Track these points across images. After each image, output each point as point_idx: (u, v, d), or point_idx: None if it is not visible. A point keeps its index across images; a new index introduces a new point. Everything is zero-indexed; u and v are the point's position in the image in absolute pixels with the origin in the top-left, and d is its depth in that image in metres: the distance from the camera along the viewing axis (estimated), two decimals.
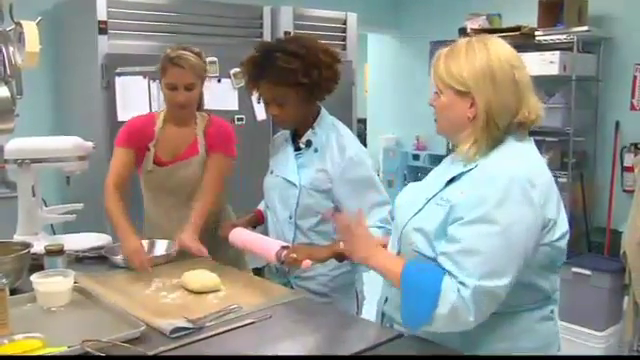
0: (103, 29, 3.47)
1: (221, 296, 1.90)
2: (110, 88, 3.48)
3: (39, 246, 2.10)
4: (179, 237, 2.18)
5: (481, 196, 1.40)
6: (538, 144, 1.61)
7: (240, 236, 2.15)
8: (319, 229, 2.11)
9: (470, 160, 1.48)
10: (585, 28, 4.25)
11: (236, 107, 3.94)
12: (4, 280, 1.62)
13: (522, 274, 1.42)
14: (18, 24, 1.94)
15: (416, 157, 5.95)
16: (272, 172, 2.23)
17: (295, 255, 1.87)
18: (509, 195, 1.38)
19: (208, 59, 3.73)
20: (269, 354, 1.52)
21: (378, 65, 6.46)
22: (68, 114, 3.94)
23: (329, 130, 2.11)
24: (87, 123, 3.62)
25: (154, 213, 2.50)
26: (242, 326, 1.67)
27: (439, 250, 1.44)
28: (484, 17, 4.87)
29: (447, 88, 1.50)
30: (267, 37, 4.11)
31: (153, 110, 3.47)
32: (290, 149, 2.17)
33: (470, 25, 4.80)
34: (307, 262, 1.84)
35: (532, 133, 1.57)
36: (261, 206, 2.36)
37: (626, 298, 3.66)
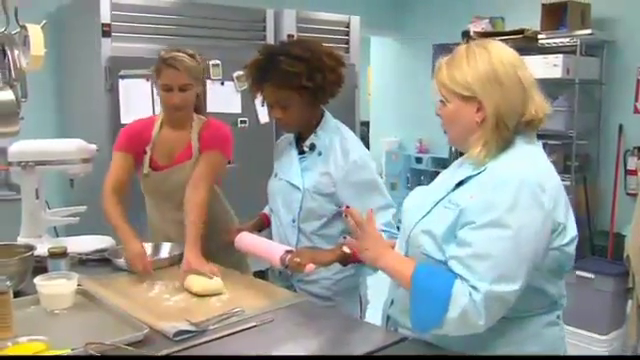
0: (107, 32, 3.48)
1: (224, 299, 1.90)
2: (113, 91, 3.49)
3: (42, 249, 2.10)
4: (186, 259, 2.09)
5: (492, 200, 1.39)
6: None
7: (245, 240, 2.15)
8: (322, 233, 2.11)
9: (481, 163, 1.48)
10: (588, 31, 4.25)
11: (239, 110, 3.94)
12: (8, 283, 1.63)
13: (532, 279, 1.41)
14: (23, 27, 1.95)
15: (419, 160, 5.95)
16: (276, 175, 2.23)
17: (299, 259, 1.87)
18: (520, 199, 1.38)
19: (211, 62, 3.79)
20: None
21: (381, 68, 6.47)
22: (71, 116, 3.95)
23: (333, 133, 2.11)
24: (90, 126, 3.62)
25: (154, 216, 2.50)
26: (245, 329, 1.67)
27: (449, 254, 1.44)
28: (487, 20, 4.88)
29: (452, 95, 1.50)
30: (270, 40, 4.11)
31: (156, 113, 3.48)
32: (294, 152, 2.17)
33: (473, 28, 4.81)
34: (310, 266, 1.84)
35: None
36: (266, 210, 2.36)
37: (629, 302, 3.65)
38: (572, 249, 1.49)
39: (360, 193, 2.02)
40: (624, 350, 3.71)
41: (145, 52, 3.48)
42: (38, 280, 1.82)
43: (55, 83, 3.96)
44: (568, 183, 4.24)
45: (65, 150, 2.49)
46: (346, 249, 1.90)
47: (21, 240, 2.36)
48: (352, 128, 2.22)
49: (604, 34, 4.42)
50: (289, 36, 4.15)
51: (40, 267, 2.03)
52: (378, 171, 2.18)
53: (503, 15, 4.98)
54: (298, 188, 2.10)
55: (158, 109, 3.45)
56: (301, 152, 2.15)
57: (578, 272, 3.73)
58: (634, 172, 4.28)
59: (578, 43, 4.22)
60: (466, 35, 4.76)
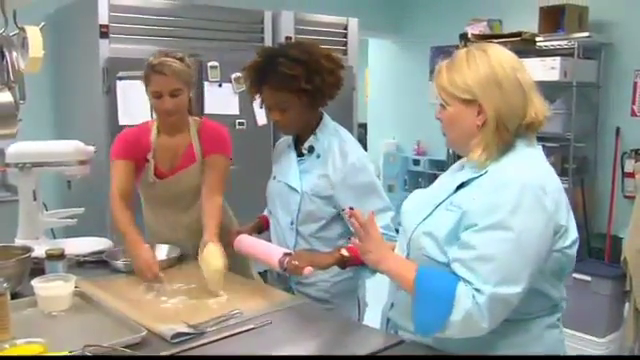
0: (104, 33, 3.48)
1: (222, 301, 1.90)
2: (111, 92, 3.48)
3: (40, 250, 2.10)
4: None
5: (495, 203, 1.40)
6: None
7: (244, 243, 2.15)
8: (320, 235, 2.10)
9: (482, 166, 1.48)
10: (586, 34, 4.26)
11: (237, 112, 3.94)
12: (5, 284, 1.62)
13: (534, 281, 1.42)
14: (22, 29, 1.95)
15: (416, 162, 5.95)
16: (275, 178, 2.23)
17: (297, 262, 1.86)
18: (522, 202, 1.38)
19: (209, 64, 3.79)
20: None
21: (379, 70, 6.47)
22: (69, 118, 3.94)
23: (331, 136, 2.11)
24: (88, 127, 3.62)
25: (153, 221, 2.49)
26: (243, 331, 1.67)
27: (452, 256, 1.44)
28: (485, 23, 4.88)
29: (453, 99, 1.50)
30: (268, 42, 4.11)
31: (154, 114, 3.47)
32: (293, 155, 2.17)
33: (471, 31, 4.81)
34: (309, 269, 1.83)
35: None
36: (266, 212, 2.35)
37: (627, 305, 3.65)
38: (574, 251, 1.49)
39: (359, 196, 2.02)
40: (621, 353, 3.71)
41: (143, 53, 3.44)
42: (35, 282, 1.82)
43: (53, 84, 3.95)
44: (566, 185, 4.24)
45: (63, 152, 2.48)
46: (344, 252, 1.90)
47: (18, 242, 2.36)
48: (350, 130, 2.22)
49: (601, 37, 4.42)
50: (287, 38, 4.15)
51: (37, 269, 2.03)
52: (376, 173, 2.18)
53: (501, 18, 4.98)
54: (296, 190, 2.09)
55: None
56: (300, 154, 2.15)
57: (575, 275, 3.73)
58: (631, 175, 4.29)
59: (576, 46, 4.23)
60: (464, 37, 4.77)
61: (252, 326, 1.69)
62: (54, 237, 2.79)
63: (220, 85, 3.87)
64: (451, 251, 1.45)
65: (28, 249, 2.06)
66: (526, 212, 1.38)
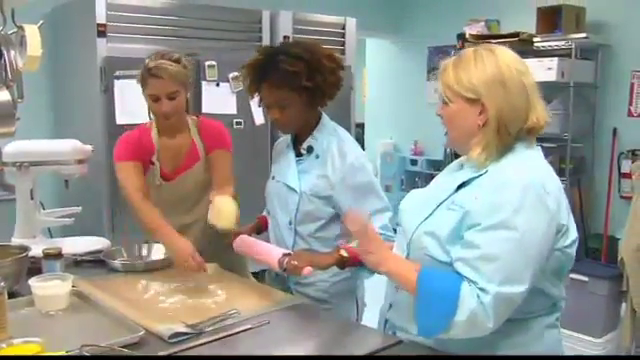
0: (102, 32, 3.46)
1: (220, 301, 1.90)
2: (109, 91, 3.47)
3: (37, 249, 2.09)
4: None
5: (497, 202, 1.40)
6: None
7: (244, 244, 2.14)
8: (319, 235, 2.10)
9: (481, 165, 1.49)
10: (583, 35, 4.26)
11: (234, 111, 3.93)
12: (2, 284, 1.62)
13: (536, 280, 1.42)
14: (20, 28, 1.94)
15: (414, 162, 5.95)
16: (273, 178, 2.22)
17: (296, 262, 1.86)
18: (525, 201, 1.38)
19: (207, 63, 3.79)
20: None
21: (376, 70, 6.47)
22: (67, 117, 3.93)
23: (330, 136, 2.11)
24: (86, 126, 3.61)
25: None
26: (240, 331, 1.67)
27: (455, 256, 1.44)
28: (482, 23, 4.88)
29: (457, 96, 1.50)
30: (266, 41, 4.10)
31: (151, 114, 3.46)
32: (291, 155, 2.16)
33: (469, 31, 4.81)
34: (308, 269, 1.83)
35: None
36: (265, 212, 2.35)
37: (623, 305, 3.66)
38: (573, 251, 1.50)
39: (357, 196, 2.02)
40: (618, 353, 3.72)
41: (141, 52, 3.44)
42: (33, 281, 1.82)
43: (50, 83, 3.94)
44: (563, 186, 4.22)
45: (60, 151, 2.48)
46: (343, 252, 1.90)
47: (15, 241, 2.35)
48: (347, 130, 2.22)
49: (599, 38, 4.43)
50: (285, 37, 4.14)
51: (34, 268, 2.02)
52: (374, 173, 2.18)
53: (499, 18, 4.98)
54: (295, 191, 2.09)
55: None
56: (298, 154, 2.15)
57: (572, 275, 3.73)
58: (628, 175, 4.29)
59: (573, 46, 4.23)
60: (461, 38, 4.77)
61: (250, 326, 1.69)
62: (50, 236, 2.78)
63: (218, 84, 3.87)
64: (454, 250, 1.45)
65: (25, 248, 2.06)
66: (529, 211, 1.38)
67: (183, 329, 1.63)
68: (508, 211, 1.38)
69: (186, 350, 1.55)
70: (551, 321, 1.55)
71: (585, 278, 3.75)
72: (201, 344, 1.58)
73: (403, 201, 1.69)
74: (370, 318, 1.92)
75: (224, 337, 1.63)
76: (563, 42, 4.28)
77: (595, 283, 3.73)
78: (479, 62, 1.48)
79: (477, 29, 4.81)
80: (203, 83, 3.77)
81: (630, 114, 4.44)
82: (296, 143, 2.17)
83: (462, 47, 4.68)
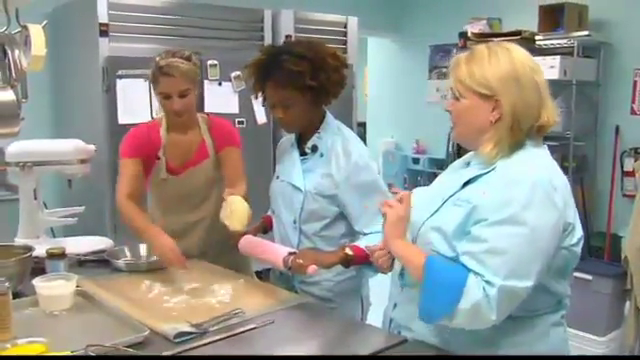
0: (104, 31, 3.46)
1: (224, 300, 1.90)
2: (111, 91, 3.47)
3: (41, 249, 2.09)
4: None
5: (506, 198, 1.40)
6: None
7: (249, 244, 2.14)
8: (324, 234, 2.10)
9: (491, 161, 1.48)
10: (585, 33, 4.26)
11: (237, 110, 3.93)
12: (6, 284, 1.61)
13: (542, 277, 1.42)
14: (24, 27, 1.94)
15: (416, 161, 5.94)
16: (278, 177, 2.22)
17: (301, 261, 1.86)
18: (534, 198, 1.38)
19: (209, 62, 3.78)
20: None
21: (378, 69, 6.46)
22: (69, 117, 3.93)
23: (334, 135, 2.10)
24: (88, 126, 3.61)
25: (163, 224, 2.43)
26: (245, 331, 1.66)
27: (462, 250, 1.44)
28: (484, 21, 4.87)
29: (469, 92, 1.50)
30: (268, 41, 4.10)
31: (154, 112, 3.47)
32: (296, 154, 2.16)
33: (470, 29, 4.80)
34: (313, 267, 1.83)
35: None
36: (270, 212, 2.34)
37: (627, 303, 3.65)
38: (579, 249, 1.50)
39: (362, 194, 2.01)
40: (622, 351, 3.71)
41: (143, 52, 3.47)
42: (37, 281, 1.81)
43: (52, 83, 3.94)
44: None
45: (63, 150, 2.48)
46: (348, 251, 1.89)
47: (18, 241, 2.35)
48: (349, 128, 2.21)
49: (601, 36, 4.42)
50: (287, 36, 4.14)
51: (38, 268, 2.02)
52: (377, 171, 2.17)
53: (500, 16, 4.98)
54: (300, 190, 2.09)
55: (156, 110, 3.48)
56: (303, 153, 2.15)
57: (576, 273, 3.70)
58: (631, 173, 4.29)
59: (575, 44, 4.22)
60: (463, 36, 4.76)
61: (254, 325, 1.69)
62: (53, 236, 2.78)
63: (220, 84, 3.87)
64: (460, 245, 1.44)
65: (29, 248, 2.06)
66: (538, 208, 1.38)
67: (188, 329, 1.62)
68: (516, 207, 1.38)
69: (191, 350, 1.55)
70: (556, 319, 1.55)
71: (589, 276, 3.74)
72: (206, 344, 1.58)
73: None
74: (375, 317, 1.91)
75: (229, 336, 1.62)
76: (565, 40, 4.27)
77: (599, 281, 3.73)
78: (493, 58, 1.48)
79: (479, 27, 4.81)
80: (205, 82, 3.77)
81: (633, 112, 4.43)
82: (300, 142, 2.17)
83: (464, 46, 4.68)
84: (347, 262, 1.91)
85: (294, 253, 1.94)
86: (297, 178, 2.11)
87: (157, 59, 2.24)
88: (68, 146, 2.50)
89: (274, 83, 2.02)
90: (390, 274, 1.71)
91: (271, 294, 1.97)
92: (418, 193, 1.69)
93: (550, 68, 4.19)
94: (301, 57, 1.98)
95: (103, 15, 3.45)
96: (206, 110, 3.69)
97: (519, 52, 1.50)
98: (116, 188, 2.30)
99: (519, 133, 1.47)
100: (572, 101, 4.25)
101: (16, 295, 1.80)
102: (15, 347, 1.46)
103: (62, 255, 2.04)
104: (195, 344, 1.57)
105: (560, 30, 4.34)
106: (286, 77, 1.98)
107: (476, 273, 1.39)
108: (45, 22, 1.99)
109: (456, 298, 1.38)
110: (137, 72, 3.44)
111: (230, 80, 3.90)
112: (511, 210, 1.38)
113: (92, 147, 2.54)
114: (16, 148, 2.39)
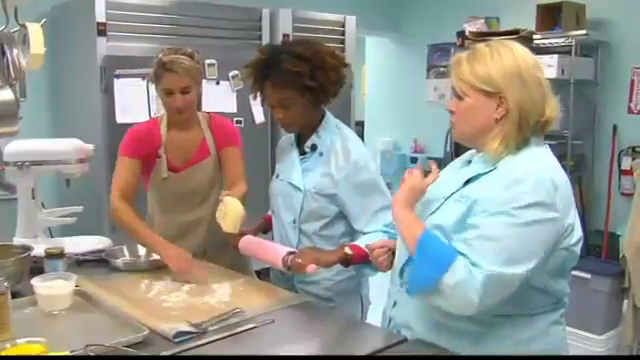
0: (102, 31, 3.45)
1: (224, 299, 1.89)
2: (109, 90, 3.46)
3: (39, 249, 2.09)
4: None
5: (507, 195, 1.40)
6: None
7: (249, 244, 2.13)
8: (323, 233, 2.10)
9: (495, 159, 1.48)
10: (583, 32, 4.27)
11: (235, 110, 3.92)
12: (5, 284, 1.61)
13: (537, 277, 1.42)
14: (23, 26, 1.93)
15: (414, 160, 5.94)
16: (277, 176, 2.22)
17: (300, 260, 1.85)
18: (535, 197, 1.38)
19: (207, 61, 3.78)
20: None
21: (376, 68, 6.46)
22: (67, 116, 3.92)
23: (334, 134, 2.10)
24: (86, 125, 3.60)
25: (163, 225, 2.42)
26: (245, 330, 1.66)
27: (456, 237, 1.44)
28: (482, 20, 4.88)
29: (473, 90, 1.50)
30: (266, 40, 4.09)
31: (152, 112, 3.46)
32: (295, 153, 2.16)
33: (468, 28, 4.80)
34: (312, 267, 1.82)
35: None
36: (270, 212, 2.34)
37: (625, 302, 3.66)
38: (578, 249, 1.50)
39: (361, 194, 2.01)
40: (620, 350, 3.72)
41: (141, 51, 3.46)
42: (35, 281, 1.81)
43: (50, 82, 3.93)
44: None
45: (61, 150, 2.47)
46: (348, 250, 1.89)
47: (17, 240, 2.34)
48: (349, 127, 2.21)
49: (599, 35, 4.43)
50: (285, 36, 4.13)
51: (37, 268, 2.01)
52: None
53: (498, 15, 4.98)
54: (299, 189, 2.09)
55: (154, 109, 3.47)
56: (302, 153, 2.14)
57: (574, 272, 3.67)
58: (628, 172, 4.29)
59: (573, 43, 4.23)
60: (461, 35, 4.77)
61: (254, 325, 1.69)
62: (51, 236, 2.77)
63: (218, 83, 3.86)
64: (457, 236, 1.45)
65: (28, 248, 2.05)
66: (538, 206, 1.38)
67: (187, 328, 1.62)
68: (517, 204, 1.38)
69: (190, 349, 1.54)
70: (556, 318, 1.55)
71: (587, 275, 3.74)
72: (205, 343, 1.58)
73: None
74: (375, 316, 1.91)
75: (228, 336, 1.62)
76: (563, 39, 4.28)
77: (597, 280, 3.73)
78: (495, 55, 1.48)
79: (477, 26, 4.81)
80: (203, 82, 3.74)
81: (630, 111, 4.44)
82: (299, 141, 2.17)
83: (462, 45, 4.68)
84: (347, 261, 1.91)
85: (294, 252, 1.93)
86: (296, 177, 2.11)
87: (160, 56, 2.24)
88: (66, 145, 2.50)
89: (273, 83, 2.02)
90: (389, 272, 1.72)
91: (271, 293, 1.97)
92: None
93: (548, 67, 4.19)
94: (300, 57, 1.97)
95: (101, 14, 3.44)
96: (204, 109, 3.68)
97: (520, 49, 1.51)
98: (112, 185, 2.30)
99: (526, 129, 1.47)
100: (570, 100, 4.25)
101: (15, 295, 1.79)
102: (14, 347, 1.46)
103: (61, 255, 2.04)
104: (194, 344, 1.57)
105: (558, 29, 4.35)
106: (285, 78, 1.98)
107: (464, 255, 1.39)
108: (44, 20, 1.99)
109: (442, 270, 1.38)
110: (135, 71, 3.43)
111: (228, 79, 3.89)
112: (511, 206, 1.38)
113: (90, 146, 2.54)
114: (14, 147, 2.38)
